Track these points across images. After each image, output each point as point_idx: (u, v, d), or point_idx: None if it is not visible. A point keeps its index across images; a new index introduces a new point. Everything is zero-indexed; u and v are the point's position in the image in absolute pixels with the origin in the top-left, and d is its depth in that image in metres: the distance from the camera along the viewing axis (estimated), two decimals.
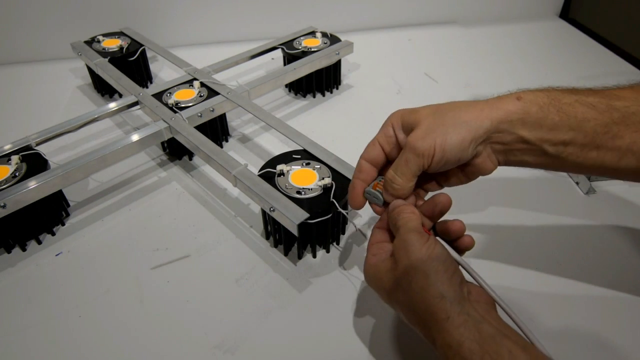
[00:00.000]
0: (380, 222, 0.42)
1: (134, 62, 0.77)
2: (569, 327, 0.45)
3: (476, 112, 0.38)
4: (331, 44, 0.78)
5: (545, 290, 0.48)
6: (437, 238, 0.38)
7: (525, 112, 0.37)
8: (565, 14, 1.11)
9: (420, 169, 0.39)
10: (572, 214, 0.57)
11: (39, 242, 0.54)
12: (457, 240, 0.40)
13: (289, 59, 0.77)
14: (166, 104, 0.63)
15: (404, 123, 0.41)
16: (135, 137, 0.57)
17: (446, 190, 0.42)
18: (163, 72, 0.87)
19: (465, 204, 0.58)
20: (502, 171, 0.65)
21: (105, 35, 0.81)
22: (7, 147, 0.56)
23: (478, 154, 0.39)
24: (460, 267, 0.36)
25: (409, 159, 0.38)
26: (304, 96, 0.80)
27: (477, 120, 0.37)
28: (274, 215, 0.47)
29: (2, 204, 0.48)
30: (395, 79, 0.85)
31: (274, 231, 0.52)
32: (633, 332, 0.44)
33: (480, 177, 0.42)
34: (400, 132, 0.41)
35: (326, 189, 0.49)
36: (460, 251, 0.39)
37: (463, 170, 0.42)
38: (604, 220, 0.56)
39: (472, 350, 0.30)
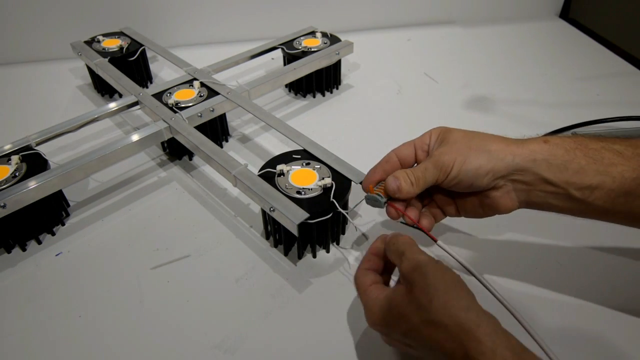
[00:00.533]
0: (367, 263, 0.41)
1: (134, 62, 0.77)
2: (569, 327, 0.45)
3: (502, 145, 0.39)
4: (331, 44, 0.78)
5: (545, 290, 0.48)
6: (439, 242, 0.40)
7: (551, 154, 0.38)
8: (565, 14, 1.11)
9: (434, 181, 0.41)
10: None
11: (39, 242, 0.54)
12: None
13: (289, 59, 0.77)
14: (166, 104, 0.63)
15: (440, 137, 0.43)
16: (135, 137, 0.57)
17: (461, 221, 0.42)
18: (163, 72, 0.87)
19: None
20: None
21: (105, 35, 0.81)
22: (7, 147, 0.56)
23: (497, 188, 0.40)
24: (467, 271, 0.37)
25: (427, 167, 0.41)
26: (304, 96, 0.80)
27: (500, 153, 0.39)
28: (274, 215, 0.47)
29: (2, 204, 0.48)
30: (395, 79, 0.85)
31: (274, 231, 0.52)
32: (633, 332, 0.44)
33: None
34: (434, 143, 0.43)
35: (326, 189, 0.49)
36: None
37: (482, 201, 0.43)
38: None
39: (505, 357, 0.30)
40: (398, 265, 0.37)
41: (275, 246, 0.53)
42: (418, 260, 0.35)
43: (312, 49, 0.76)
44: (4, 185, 0.50)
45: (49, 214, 0.55)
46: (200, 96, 0.65)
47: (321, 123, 0.74)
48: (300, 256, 0.52)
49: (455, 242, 0.53)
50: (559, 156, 0.38)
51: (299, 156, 0.54)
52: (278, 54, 0.81)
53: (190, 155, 0.66)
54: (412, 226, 0.45)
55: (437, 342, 0.32)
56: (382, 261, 0.41)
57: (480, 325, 0.31)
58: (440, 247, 0.43)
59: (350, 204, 0.55)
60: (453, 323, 0.31)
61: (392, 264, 0.40)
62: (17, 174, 0.52)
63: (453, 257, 0.43)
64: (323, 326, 0.45)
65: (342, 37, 0.79)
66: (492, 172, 0.39)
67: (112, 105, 0.64)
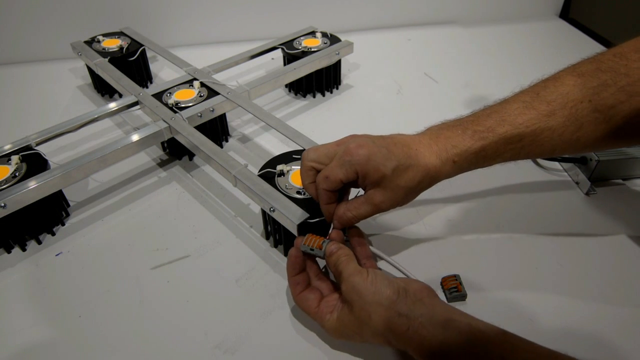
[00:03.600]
0: (300, 285, 0.44)
1: (134, 62, 0.77)
2: (569, 327, 0.45)
3: (420, 174, 0.43)
4: (331, 44, 0.78)
5: (545, 290, 0.48)
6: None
7: (459, 169, 0.44)
8: (565, 14, 1.11)
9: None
10: (572, 213, 0.57)
11: (39, 242, 0.54)
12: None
13: (289, 59, 0.77)
14: (166, 104, 0.63)
15: (362, 174, 0.42)
16: (135, 137, 0.57)
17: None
18: (163, 72, 0.87)
19: (465, 204, 0.58)
20: (501, 171, 0.65)
21: (105, 35, 0.81)
22: (7, 147, 0.56)
23: None
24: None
25: (367, 210, 0.43)
26: (304, 96, 0.80)
27: (419, 184, 0.43)
28: (274, 215, 0.47)
29: (2, 204, 0.48)
30: (395, 79, 0.85)
31: (274, 231, 0.52)
32: (633, 332, 0.44)
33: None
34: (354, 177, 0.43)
35: None
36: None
37: None
38: (604, 220, 0.56)
39: (432, 343, 0.35)
40: (340, 286, 0.40)
41: (275, 246, 0.53)
42: (353, 282, 0.39)
43: (312, 49, 0.76)
44: (4, 185, 0.50)
45: (49, 214, 0.55)
46: (200, 96, 0.65)
47: (321, 123, 0.74)
48: None
49: (456, 242, 0.53)
50: (465, 168, 0.45)
51: (299, 156, 0.54)
52: (278, 54, 0.81)
53: (190, 155, 0.66)
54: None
55: (387, 344, 0.39)
56: (305, 274, 0.44)
57: (409, 327, 0.36)
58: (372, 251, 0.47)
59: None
60: (390, 331, 0.37)
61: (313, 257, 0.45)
62: (17, 174, 0.52)
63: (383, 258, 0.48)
64: None
65: (342, 37, 0.79)
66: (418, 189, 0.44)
67: (112, 105, 0.64)
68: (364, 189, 0.44)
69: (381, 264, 0.49)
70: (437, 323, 0.36)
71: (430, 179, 0.43)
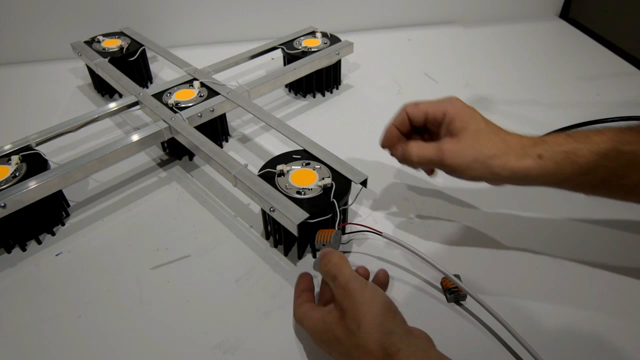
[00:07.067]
0: (299, 299, 0.44)
1: (134, 62, 0.77)
2: (569, 327, 0.44)
3: (497, 148, 0.42)
4: (331, 44, 0.78)
5: (545, 291, 0.48)
6: (384, 234, 0.46)
7: (543, 169, 0.41)
8: (565, 14, 1.11)
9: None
10: (572, 213, 0.57)
11: (39, 242, 0.54)
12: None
13: (289, 59, 0.77)
14: (166, 104, 0.63)
15: (454, 122, 0.45)
16: (135, 137, 0.57)
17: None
18: (163, 72, 0.87)
19: (465, 204, 0.58)
20: None
21: (105, 35, 0.81)
22: (7, 147, 0.56)
23: None
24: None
25: (432, 153, 0.44)
26: (304, 96, 0.80)
27: (500, 169, 0.42)
28: (274, 215, 0.47)
29: (2, 204, 0.48)
30: (395, 79, 0.85)
31: (274, 231, 0.52)
32: (633, 332, 0.44)
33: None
34: (446, 124, 0.45)
35: (326, 189, 0.49)
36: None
37: None
38: (604, 220, 0.56)
39: None
40: (332, 287, 0.39)
41: (275, 246, 0.53)
42: (348, 288, 0.37)
43: (312, 49, 0.76)
44: (4, 185, 0.50)
45: (49, 214, 0.55)
46: (200, 96, 0.65)
47: (321, 123, 0.74)
48: (300, 256, 0.52)
49: (456, 242, 0.53)
50: (550, 169, 0.42)
51: (299, 156, 0.54)
52: (278, 54, 0.81)
53: (190, 155, 0.66)
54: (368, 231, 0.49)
55: None
56: (312, 292, 0.45)
57: (400, 348, 0.34)
58: (386, 237, 0.47)
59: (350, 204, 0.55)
60: (377, 347, 0.34)
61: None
62: (17, 174, 0.52)
63: (400, 245, 0.46)
64: None
65: (342, 37, 0.79)
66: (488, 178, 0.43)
67: (112, 105, 0.64)
68: (439, 137, 0.45)
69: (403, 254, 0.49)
70: (430, 358, 0.34)
71: (506, 161, 0.41)
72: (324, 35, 0.80)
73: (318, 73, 0.77)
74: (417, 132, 0.50)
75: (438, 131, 0.46)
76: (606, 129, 0.41)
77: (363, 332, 0.35)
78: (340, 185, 0.49)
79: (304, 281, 0.46)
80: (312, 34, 0.81)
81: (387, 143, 0.49)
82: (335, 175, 0.51)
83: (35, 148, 0.57)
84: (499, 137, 0.43)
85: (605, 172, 0.40)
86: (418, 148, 0.46)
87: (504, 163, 0.42)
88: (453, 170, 0.44)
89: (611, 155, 0.39)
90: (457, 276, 0.47)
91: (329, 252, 0.41)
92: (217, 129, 0.67)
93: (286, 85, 0.82)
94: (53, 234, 0.55)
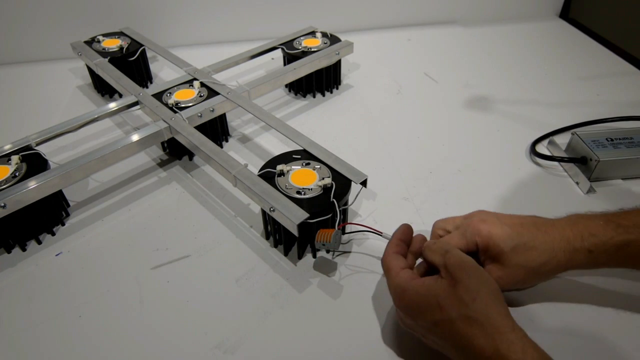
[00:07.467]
0: (395, 247, 0.43)
1: (134, 62, 0.77)
2: (569, 327, 0.44)
3: (544, 257, 0.40)
4: (331, 44, 0.78)
5: (545, 290, 0.48)
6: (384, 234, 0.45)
7: (594, 262, 0.41)
8: (565, 14, 1.11)
9: None
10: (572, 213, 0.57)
11: (39, 242, 0.54)
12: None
13: (289, 59, 0.77)
14: (166, 104, 0.63)
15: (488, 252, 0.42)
16: (135, 137, 0.57)
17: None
18: (163, 72, 0.87)
19: (465, 204, 0.58)
20: (500, 171, 0.65)
21: (105, 35, 0.81)
22: (7, 147, 0.56)
23: None
24: None
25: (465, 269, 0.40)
26: (304, 96, 0.80)
27: (542, 266, 0.41)
28: (274, 215, 0.47)
29: (2, 204, 0.48)
30: (395, 79, 0.85)
31: (274, 231, 0.52)
32: (633, 332, 0.44)
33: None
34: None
35: (326, 189, 0.49)
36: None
37: None
38: None
39: (534, 358, 0.32)
40: (440, 262, 0.38)
41: (275, 246, 0.53)
42: (464, 259, 0.37)
43: (312, 49, 0.76)
44: (4, 185, 0.50)
45: (49, 214, 0.55)
46: (200, 96, 0.65)
47: (321, 123, 0.74)
48: (300, 256, 0.52)
49: None
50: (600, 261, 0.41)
51: (299, 156, 0.54)
52: (278, 54, 0.81)
53: (190, 155, 0.66)
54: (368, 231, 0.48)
55: (469, 337, 0.34)
56: (407, 248, 0.43)
57: (514, 330, 0.34)
58: (386, 237, 0.46)
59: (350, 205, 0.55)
60: (490, 323, 0.34)
61: (413, 260, 0.43)
62: (17, 174, 0.52)
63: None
64: (323, 326, 0.45)
65: (342, 37, 0.79)
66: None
67: (112, 105, 0.64)
68: (483, 265, 0.42)
69: None
70: (538, 352, 0.33)
71: (557, 263, 0.40)
72: (324, 35, 0.80)
73: (318, 73, 0.77)
74: None
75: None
76: None
77: (477, 305, 0.35)
78: (340, 185, 0.49)
79: (405, 232, 0.44)
80: (312, 34, 0.81)
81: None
82: (335, 175, 0.51)
83: (35, 148, 0.57)
84: (538, 242, 0.41)
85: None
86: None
87: (555, 268, 0.41)
88: (511, 290, 0.43)
89: None
90: None
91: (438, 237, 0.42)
92: (217, 129, 0.67)
93: (286, 85, 0.82)
94: (53, 234, 0.55)
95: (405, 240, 0.43)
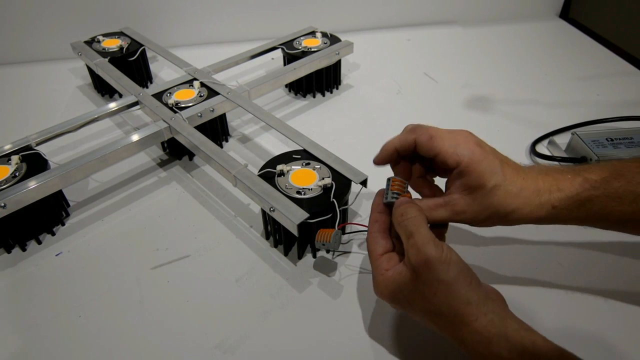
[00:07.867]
0: (378, 224, 0.41)
1: (134, 62, 0.77)
2: (569, 327, 0.44)
3: (516, 204, 0.39)
4: (331, 44, 0.78)
5: (545, 290, 0.48)
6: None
7: (555, 218, 0.40)
8: (565, 14, 1.11)
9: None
10: None
11: (39, 242, 0.54)
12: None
13: (289, 59, 0.77)
14: (166, 104, 0.63)
15: (469, 180, 0.39)
16: (135, 137, 0.57)
17: None
18: (163, 72, 0.87)
19: None
20: None
21: (105, 35, 0.81)
22: (7, 147, 0.56)
23: None
24: None
25: (442, 216, 0.40)
26: (304, 96, 0.80)
27: (509, 214, 0.39)
28: (274, 215, 0.47)
29: (2, 204, 0.48)
30: (395, 79, 0.85)
31: (274, 231, 0.52)
32: (633, 332, 0.44)
33: None
34: (456, 175, 0.40)
35: (326, 189, 0.49)
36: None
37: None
38: None
39: (500, 344, 0.33)
40: (405, 245, 0.37)
41: (275, 246, 0.53)
42: (424, 251, 0.35)
43: (312, 49, 0.76)
44: (4, 185, 0.50)
45: (49, 214, 0.55)
46: (200, 96, 0.65)
47: (321, 123, 0.74)
48: (300, 256, 0.52)
49: (455, 242, 0.53)
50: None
51: (299, 156, 0.54)
52: (278, 54, 0.81)
53: (190, 155, 0.66)
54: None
55: (438, 328, 0.36)
56: (388, 217, 0.42)
57: (477, 318, 0.33)
58: None
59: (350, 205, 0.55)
60: (454, 315, 0.34)
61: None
62: (17, 174, 0.52)
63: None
64: (323, 326, 0.45)
65: (342, 37, 0.79)
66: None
67: (112, 105, 0.64)
68: (447, 188, 0.41)
69: None
70: (507, 327, 0.33)
71: (521, 214, 0.39)
72: (324, 35, 0.80)
73: (318, 73, 0.77)
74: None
75: (445, 168, 0.41)
76: (627, 169, 0.39)
77: (439, 299, 0.34)
78: (340, 185, 0.49)
79: (378, 202, 0.42)
80: (312, 34, 0.81)
81: (382, 162, 0.44)
82: (335, 175, 0.51)
83: (35, 148, 0.57)
84: (516, 187, 0.39)
85: (621, 215, 0.38)
86: (425, 209, 0.40)
87: (519, 217, 0.40)
88: (465, 223, 0.41)
89: (628, 198, 0.38)
90: None
91: (408, 204, 0.39)
92: (217, 129, 0.67)
93: (286, 85, 0.82)
94: (53, 234, 0.55)
95: (384, 211, 0.42)
